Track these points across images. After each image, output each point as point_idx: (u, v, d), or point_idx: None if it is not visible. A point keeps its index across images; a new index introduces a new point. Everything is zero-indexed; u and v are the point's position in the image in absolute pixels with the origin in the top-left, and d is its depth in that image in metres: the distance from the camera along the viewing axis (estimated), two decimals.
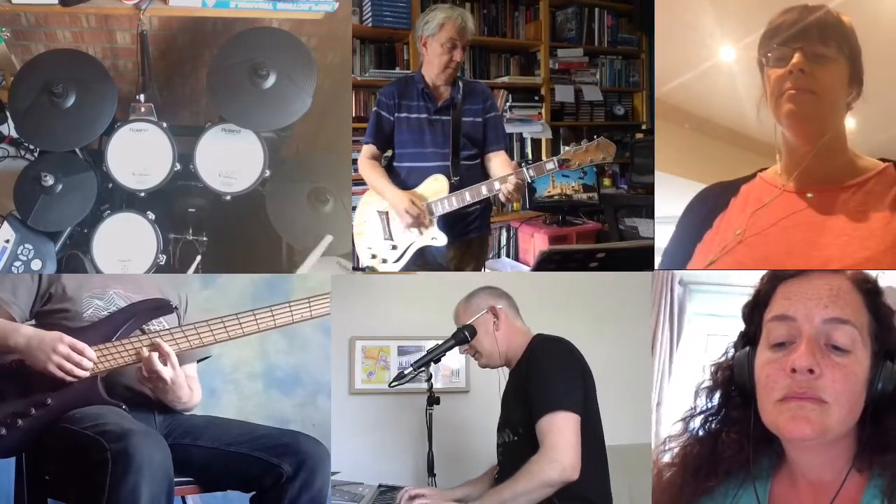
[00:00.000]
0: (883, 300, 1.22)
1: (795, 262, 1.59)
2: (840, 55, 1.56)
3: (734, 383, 1.25)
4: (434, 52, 2.56)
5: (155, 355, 1.81)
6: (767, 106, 1.63)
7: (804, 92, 1.56)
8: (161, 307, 1.94)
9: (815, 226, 1.61)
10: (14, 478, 1.83)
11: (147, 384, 1.86)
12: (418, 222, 2.53)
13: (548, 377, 1.95)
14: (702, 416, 1.30)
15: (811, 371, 1.12)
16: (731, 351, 1.28)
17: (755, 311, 1.25)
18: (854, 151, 1.66)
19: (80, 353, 1.77)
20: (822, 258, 1.58)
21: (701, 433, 1.29)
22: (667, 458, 1.31)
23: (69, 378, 1.78)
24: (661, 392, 2.76)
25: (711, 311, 2.83)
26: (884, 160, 1.67)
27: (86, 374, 1.79)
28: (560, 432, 1.86)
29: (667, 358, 2.79)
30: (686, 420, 1.31)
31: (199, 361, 2.09)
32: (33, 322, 1.87)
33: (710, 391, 1.30)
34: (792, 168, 1.65)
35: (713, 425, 1.28)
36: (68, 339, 1.77)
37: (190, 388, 1.94)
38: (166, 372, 1.82)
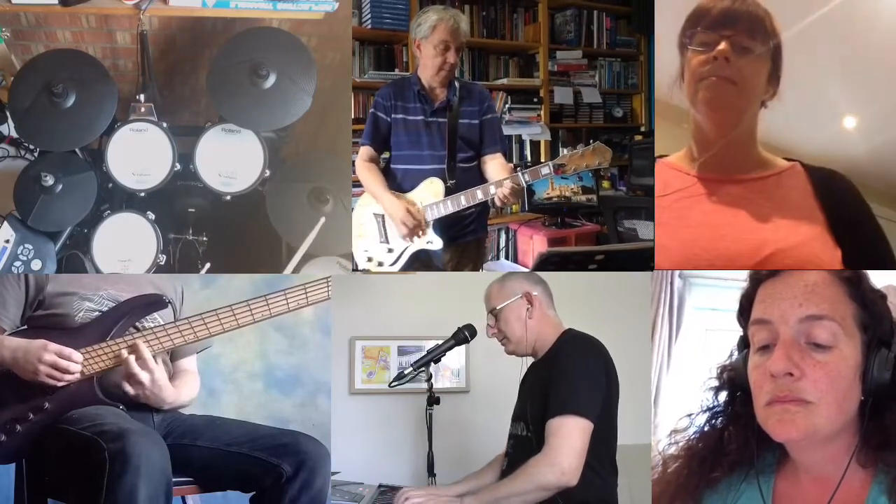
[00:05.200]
0: (868, 286, 1.18)
1: (727, 246, 1.58)
2: (765, 51, 1.54)
3: (736, 384, 1.25)
4: (428, 54, 2.54)
5: (132, 358, 1.79)
6: (682, 87, 1.61)
7: (725, 81, 1.54)
8: (154, 303, 1.92)
9: (739, 212, 1.60)
10: (14, 478, 1.82)
11: (128, 387, 1.82)
12: (413, 233, 2.53)
13: (570, 378, 1.91)
14: (708, 412, 1.29)
15: (791, 374, 1.11)
16: (735, 353, 1.28)
17: (742, 315, 1.24)
18: (761, 148, 1.65)
19: (67, 359, 1.76)
20: (755, 241, 1.56)
21: (707, 428, 1.29)
22: (672, 451, 1.31)
23: (59, 384, 1.77)
24: (660, 385, 2.76)
25: (711, 305, 2.82)
26: (789, 159, 1.66)
27: (75, 377, 1.77)
28: (567, 436, 1.84)
29: (665, 351, 2.79)
30: (692, 416, 1.31)
31: (198, 352, 2.07)
32: (25, 327, 1.85)
33: (717, 391, 1.30)
34: (700, 153, 1.64)
35: (719, 421, 1.28)
36: (53, 346, 1.75)
37: (177, 386, 1.91)
38: (143, 376, 1.79)
